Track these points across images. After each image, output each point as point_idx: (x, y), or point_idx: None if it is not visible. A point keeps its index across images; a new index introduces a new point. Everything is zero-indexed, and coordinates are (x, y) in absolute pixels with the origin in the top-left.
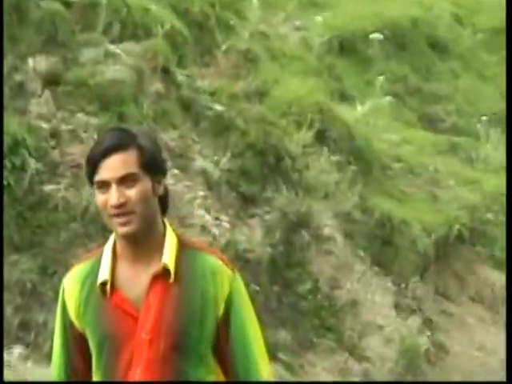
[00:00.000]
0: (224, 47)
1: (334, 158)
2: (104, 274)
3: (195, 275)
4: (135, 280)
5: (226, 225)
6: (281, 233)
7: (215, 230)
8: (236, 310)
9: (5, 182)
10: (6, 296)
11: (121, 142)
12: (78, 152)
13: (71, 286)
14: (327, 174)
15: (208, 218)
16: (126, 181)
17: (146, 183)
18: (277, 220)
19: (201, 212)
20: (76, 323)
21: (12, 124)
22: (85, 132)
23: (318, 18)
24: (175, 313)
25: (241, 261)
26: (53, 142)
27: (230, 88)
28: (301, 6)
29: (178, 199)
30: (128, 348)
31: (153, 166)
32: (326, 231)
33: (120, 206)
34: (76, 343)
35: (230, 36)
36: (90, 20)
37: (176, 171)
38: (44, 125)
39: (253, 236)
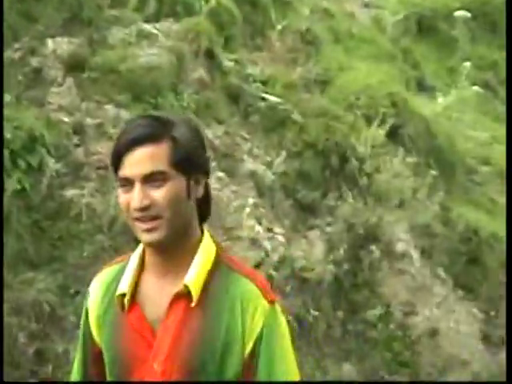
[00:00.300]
0: (279, 27)
1: (411, 160)
2: (124, 285)
3: (224, 302)
4: (158, 296)
5: (281, 238)
6: (346, 248)
7: (267, 244)
8: (266, 349)
9: (19, 186)
10: (20, 320)
11: (151, 132)
12: (105, 151)
13: (95, 291)
14: (402, 179)
15: (259, 229)
16: (152, 179)
17: (178, 183)
18: (341, 233)
19: (251, 222)
20: (95, 335)
21: (28, 117)
22: (114, 127)
23: None
24: (193, 346)
25: (298, 281)
26: (76, 139)
27: (285, 76)
28: None
29: (223, 207)
30: (139, 373)
31: (189, 162)
32: (400, 247)
33: (143, 209)
34: (94, 359)
35: (287, 14)
36: None
37: (221, 174)
38: (66, 118)
39: (312, 252)
